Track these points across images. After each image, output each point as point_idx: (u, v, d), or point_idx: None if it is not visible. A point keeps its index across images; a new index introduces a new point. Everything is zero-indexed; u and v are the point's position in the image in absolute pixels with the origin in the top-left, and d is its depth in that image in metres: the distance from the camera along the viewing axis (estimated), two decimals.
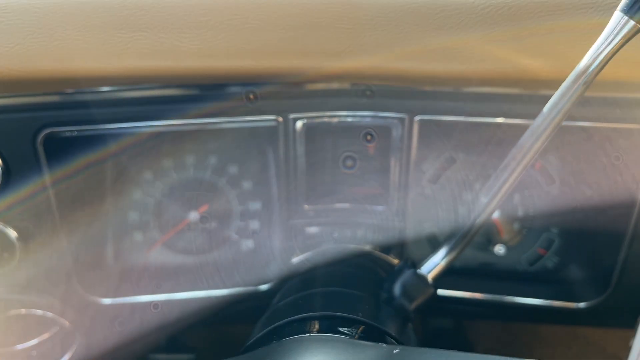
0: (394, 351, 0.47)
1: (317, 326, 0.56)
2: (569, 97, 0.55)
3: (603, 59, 0.53)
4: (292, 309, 0.61)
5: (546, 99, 0.58)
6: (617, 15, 0.52)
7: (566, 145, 0.88)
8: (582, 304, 0.87)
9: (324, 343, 0.50)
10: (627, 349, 0.82)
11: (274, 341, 0.53)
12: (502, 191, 0.61)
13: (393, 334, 0.57)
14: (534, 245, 0.95)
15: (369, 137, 0.86)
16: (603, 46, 0.53)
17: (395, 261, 0.89)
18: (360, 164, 0.89)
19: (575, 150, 0.88)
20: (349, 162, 0.89)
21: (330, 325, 0.55)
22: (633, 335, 0.84)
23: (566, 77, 0.56)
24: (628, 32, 0.52)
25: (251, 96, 0.75)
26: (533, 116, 0.74)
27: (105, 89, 0.72)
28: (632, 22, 0.51)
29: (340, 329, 0.54)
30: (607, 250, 0.85)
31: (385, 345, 0.49)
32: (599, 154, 0.83)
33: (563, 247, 0.94)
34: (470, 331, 1.36)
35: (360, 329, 0.56)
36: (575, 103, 0.55)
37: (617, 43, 0.52)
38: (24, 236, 0.78)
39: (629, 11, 0.51)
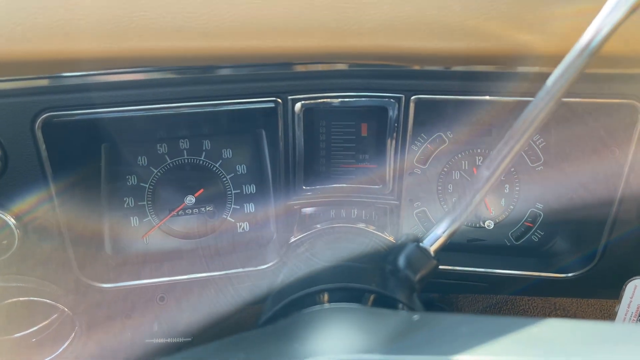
0: (414, 317, 0.49)
1: (333, 297, 0.57)
2: (572, 72, 0.55)
3: (607, 30, 0.53)
4: (304, 284, 0.63)
5: (538, 76, 0.59)
6: None
7: (552, 122, 0.90)
8: (570, 275, 0.91)
9: (344, 312, 0.52)
10: (610, 315, 0.86)
11: (293, 313, 0.54)
12: (503, 165, 0.61)
13: (406, 302, 0.58)
14: (520, 220, 0.99)
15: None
16: (607, 18, 0.53)
17: (390, 238, 0.91)
18: (358, 144, 0.91)
19: (561, 127, 0.90)
20: (347, 143, 0.90)
21: (346, 296, 0.57)
22: (617, 303, 0.88)
23: (562, 53, 0.57)
24: (636, 1, 0.52)
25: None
26: (523, 94, 0.76)
27: (103, 72, 0.72)
28: None
29: (356, 299, 0.56)
30: (592, 224, 0.88)
31: (403, 312, 0.51)
32: (584, 131, 0.86)
33: (549, 222, 0.98)
34: (453, 305, 1.40)
35: (372, 298, 0.58)
36: (578, 78, 0.56)
37: (623, 14, 0.52)
38: (22, 223, 0.77)
39: None
